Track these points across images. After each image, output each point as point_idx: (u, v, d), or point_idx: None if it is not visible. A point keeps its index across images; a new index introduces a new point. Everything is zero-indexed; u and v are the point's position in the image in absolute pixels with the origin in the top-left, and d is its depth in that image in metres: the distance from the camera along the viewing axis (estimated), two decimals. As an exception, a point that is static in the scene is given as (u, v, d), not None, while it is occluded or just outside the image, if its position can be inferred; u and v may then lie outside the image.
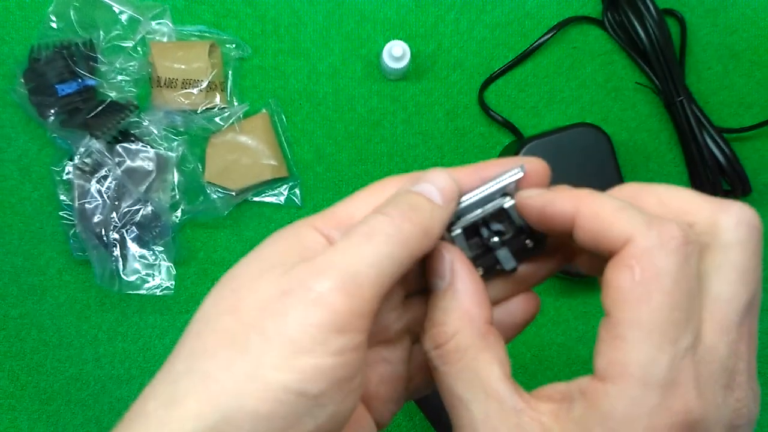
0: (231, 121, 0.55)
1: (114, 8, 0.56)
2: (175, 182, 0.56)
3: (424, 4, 0.58)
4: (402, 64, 0.54)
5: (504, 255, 0.28)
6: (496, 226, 0.28)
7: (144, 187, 0.55)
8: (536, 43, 0.57)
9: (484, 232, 0.28)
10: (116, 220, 0.54)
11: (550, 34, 0.57)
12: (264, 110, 0.57)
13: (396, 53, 0.54)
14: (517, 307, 0.30)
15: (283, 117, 0.57)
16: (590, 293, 0.58)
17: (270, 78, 0.57)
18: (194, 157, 0.56)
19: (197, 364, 0.23)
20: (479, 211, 0.27)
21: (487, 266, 0.28)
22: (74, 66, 0.54)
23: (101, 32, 0.56)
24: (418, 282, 0.30)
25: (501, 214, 0.28)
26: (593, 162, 0.53)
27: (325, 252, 0.24)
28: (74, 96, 0.54)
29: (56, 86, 0.54)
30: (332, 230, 0.26)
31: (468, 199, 0.28)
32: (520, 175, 0.28)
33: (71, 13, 0.55)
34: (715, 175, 0.55)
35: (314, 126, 0.58)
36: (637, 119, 0.58)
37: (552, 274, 0.30)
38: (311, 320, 0.22)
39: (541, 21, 0.58)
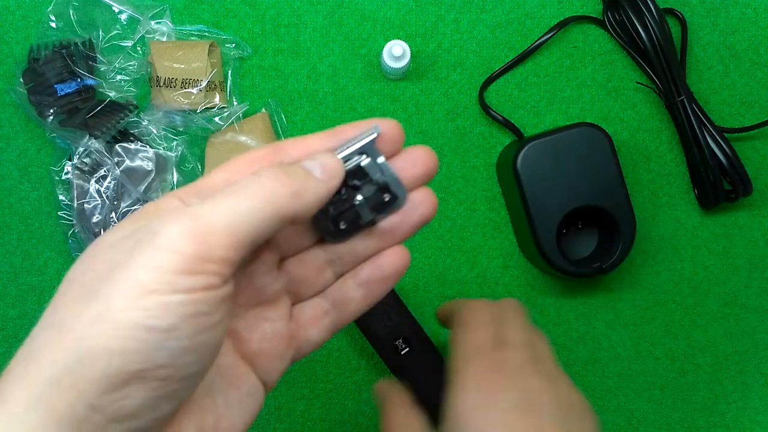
0: (231, 120, 0.55)
1: (113, 8, 0.56)
2: (175, 182, 0.56)
3: (425, 4, 0.57)
4: (402, 64, 0.54)
5: (363, 209, 0.31)
6: (355, 183, 0.30)
7: (143, 187, 0.54)
8: (536, 43, 0.57)
9: (344, 189, 0.30)
10: (115, 220, 0.54)
11: (551, 34, 0.57)
12: (264, 110, 0.57)
13: (396, 53, 0.54)
14: (385, 260, 0.32)
15: (283, 117, 0.57)
16: (590, 293, 0.58)
17: (270, 78, 0.57)
18: (194, 156, 0.56)
19: (54, 319, 0.24)
20: None
21: (350, 221, 0.31)
22: (73, 66, 0.54)
23: (100, 32, 0.56)
24: (291, 245, 0.32)
25: (359, 171, 0.30)
26: (594, 162, 0.53)
27: (184, 206, 0.26)
28: (73, 96, 0.54)
29: (55, 86, 0.54)
30: (192, 198, 0.27)
31: None
32: (375, 135, 0.30)
33: (70, 12, 0.55)
34: (716, 175, 0.55)
35: (314, 126, 0.57)
36: (638, 119, 0.58)
37: (418, 227, 0.33)
38: (157, 263, 0.23)
39: (542, 21, 0.58)
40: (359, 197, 0.31)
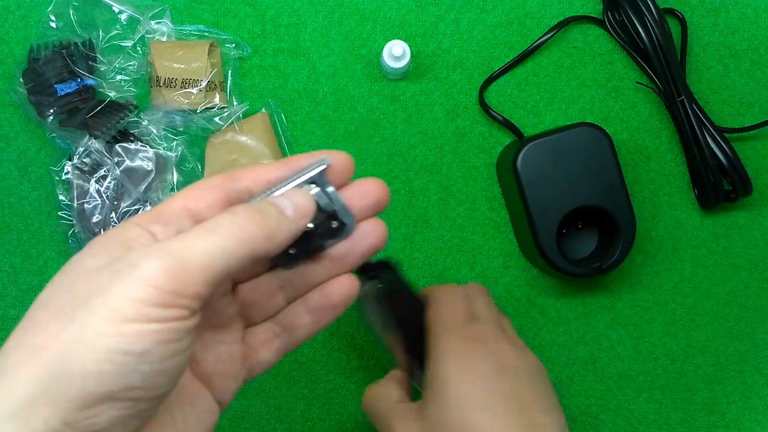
0: (230, 120, 0.55)
1: (113, 8, 0.56)
2: (175, 182, 0.56)
3: (425, 4, 0.57)
4: (402, 64, 0.54)
5: (312, 236, 0.32)
6: None
7: (143, 187, 0.54)
8: (536, 43, 0.57)
9: None
10: (115, 220, 0.54)
11: (551, 34, 0.57)
12: (264, 110, 0.57)
13: (396, 53, 0.54)
14: (333, 289, 0.34)
15: (283, 117, 0.57)
16: (590, 293, 0.58)
17: (270, 78, 0.57)
18: (193, 156, 0.56)
19: (27, 339, 0.25)
20: None
21: (299, 247, 0.31)
22: (73, 66, 0.54)
23: (100, 32, 0.56)
24: (245, 272, 0.33)
25: None
26: (594, 162, 0.53)
27: (164, 240, 0.27)
28: (73, 96, 0.54)
29: (55, 86, 0.54)
30: (152, 225, 0.29)
31: (278, 189, 0.31)
32: (325, 166, 0.31)
33: (70, 12, 0.55)
34: (716, 175, 0.55)
35: (314, 126, 0.57)
36: (638, 119, 0.58)
37: (367, 256, 0.34)
38: (134, 294, 0.25)
39: (542, 21, 0.58)
40: (309, 225, 0.31)
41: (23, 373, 0.24)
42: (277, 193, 0.31)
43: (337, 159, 0.32)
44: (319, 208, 0.32)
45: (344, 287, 0.34)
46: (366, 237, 0.33)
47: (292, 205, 0.30)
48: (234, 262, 0.27)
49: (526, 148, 0.53)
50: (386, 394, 0.43)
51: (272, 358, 0.34)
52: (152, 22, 0.56)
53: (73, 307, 0.25)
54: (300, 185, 0.31)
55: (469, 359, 0.41)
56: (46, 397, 0.24)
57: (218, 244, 0.26)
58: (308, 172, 0.31)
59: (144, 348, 0.25)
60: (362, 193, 0.33)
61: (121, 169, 0.54)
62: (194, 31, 0.56)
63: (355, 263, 0.34)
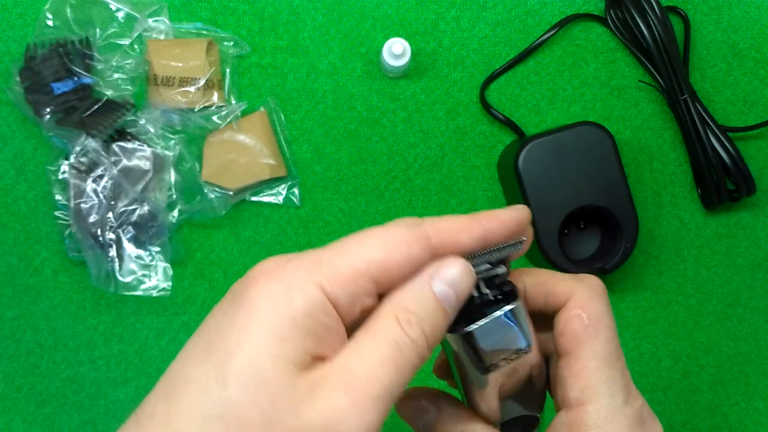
0: (229, 119, 0.55)
1: (110, 5, 0.55)
2: (172, 182, 0.55)
3: (425, 2, 0.57)
4: (402, 62, 0.54)
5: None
6: (483, 287, 0.29)
7: (140, 186, 0.54)
8: (538, 41, 0.56)
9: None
10: (112, 220, 0.54)
11: (553, 32, 0.56)
12: (262, 108, 0.56)
13: (396, 51, 0.53)
14: None
15: (282, 115, 0.56)
16: (593, 294, 0.57)
17: (268, 76, 0.57)
18: (191, 156, 0.55)
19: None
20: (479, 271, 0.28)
21: (467, 316, 0.28)
22: (70, 64, 0.54)
23: (98, 30, 0.55)
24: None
25: (493, 277, 0.29)
26: (596, 161, 0.52)
27: (339, 366, 0.24)
28: (70, 94, 0.54)
29: (52, 84, 0.54)
30: (336, 288, 0.25)
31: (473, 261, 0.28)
32: (520, 248, 0.29)
33: (67, 10, 0.55)
34: (719, 174, 0.54)
35: (313, 125, 0.57)
36: (641, 118, 0.58)
37: None
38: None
39: (543, 18, 0.57)
40: (475, 293, 0.28)
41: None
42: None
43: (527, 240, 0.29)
44: (491, 285, 0.29)
45: None
46: None
47: (456, 296, 0.27)
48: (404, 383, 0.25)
49: (527, 147, 0.52)
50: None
51: None
52: (150, 20, 0.55)
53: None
54: (490, 267, 0.28)
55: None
56: None
57: (393, 376, 0.25)
58: (503, 250, 0.28)
59: None
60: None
61: (118, 168, 0.54)
62: (192, 29, 0.56)
63: None
